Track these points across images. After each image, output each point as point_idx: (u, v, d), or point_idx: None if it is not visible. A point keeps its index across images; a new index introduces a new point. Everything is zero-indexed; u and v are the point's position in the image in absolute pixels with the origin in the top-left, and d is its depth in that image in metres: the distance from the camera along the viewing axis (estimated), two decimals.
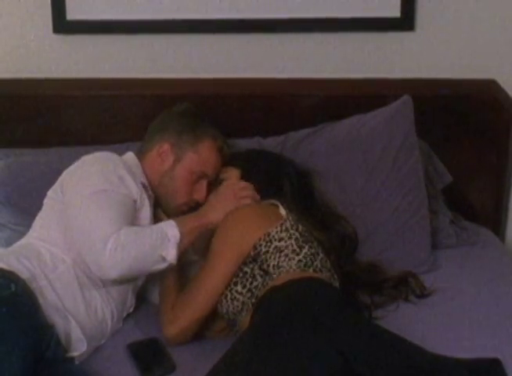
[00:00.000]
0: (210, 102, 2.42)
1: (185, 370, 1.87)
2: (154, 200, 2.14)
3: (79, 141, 2.44)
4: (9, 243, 2.18)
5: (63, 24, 2.55)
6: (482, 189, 2.54)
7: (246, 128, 2.43)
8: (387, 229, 2.28)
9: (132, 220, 1.98)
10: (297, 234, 1.97)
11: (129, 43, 2.57)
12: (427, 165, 2.42)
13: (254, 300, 1.91)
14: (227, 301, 1.94)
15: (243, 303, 1.93)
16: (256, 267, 1.94)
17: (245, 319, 1.91)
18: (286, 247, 1.94)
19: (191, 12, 2.53)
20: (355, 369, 1.58)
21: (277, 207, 2.06)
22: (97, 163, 2.05)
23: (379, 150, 2.32)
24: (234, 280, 1.94)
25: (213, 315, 1.98)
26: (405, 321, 2.00)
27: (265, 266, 1.93)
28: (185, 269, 2.10)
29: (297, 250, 1.94)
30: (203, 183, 2.16)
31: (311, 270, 1.93)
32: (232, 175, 2.17)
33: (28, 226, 2.16)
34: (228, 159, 2.22)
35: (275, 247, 1.94)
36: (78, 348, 1.90)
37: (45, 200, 2.09)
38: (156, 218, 2.13)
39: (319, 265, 1.95)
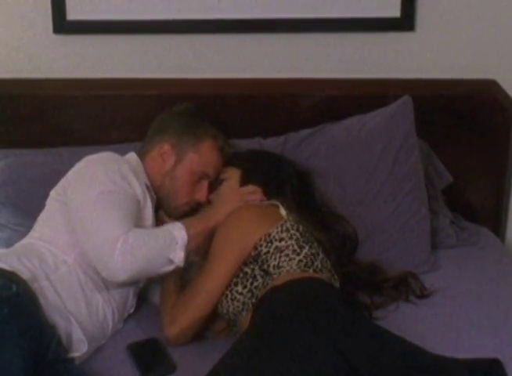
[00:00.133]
0: (210, 102, 2.42)
1: (185, 371, 1.87)
2: (156, 201, 2.14)
3: (79, 141, 2.44)
4: (9, 243, 2.18)
5: (63, 24, 2.55)
6: (482, 190, 2.54)
7: (246, 128, 2.43)
8: (387, 229, 2.28)
9: (137, 221, 1.98)
10: (297, 234, 1.97)
11: (129, 43, 2.57)
12: (427, 165, 2.42)
13: (254, 300, 1.91)
14: (227, 302, 1.95)
15: (243, 303, 1.93)
16: (256, 267, 1.94)
17: (245, 320, 1.91)
18: (287, 247, 1.94)
19: (191, 12, 2.53)
20: (355, 369, 1.58)
21: (277, 207, 2.06)
22: (101, 163, 2.05)
23: (379, 151, 2.32)
24: (234, 280, 1.94)
25: (213, 315, 1.98)
26: (406, 321, 2.00)
27: (265, 266, 1.93)
28: (185, 270, 2.09)
29: (298, 250, 1.94)
30: (205, 183, 2.16)
31: (311, 270, 1.93)
32: (233, 175, 2.17)
33: (28, 226, 2.16)
34: (229, 159, 2.22)
35: (276, 247, 1.94)
36: (79, 348, 1.90)
37: (48, 201, 2.09)
38: (158, 220, 2.13)
39: (320, 266, 1.95)
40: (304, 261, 1.93)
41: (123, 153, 2.19)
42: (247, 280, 1.94)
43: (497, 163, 2.51)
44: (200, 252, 2.07)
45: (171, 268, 1.94)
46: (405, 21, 2.51)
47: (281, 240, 1.95)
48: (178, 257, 1.92)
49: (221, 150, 2.20)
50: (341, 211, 2.27)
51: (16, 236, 2.18)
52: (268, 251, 1.93)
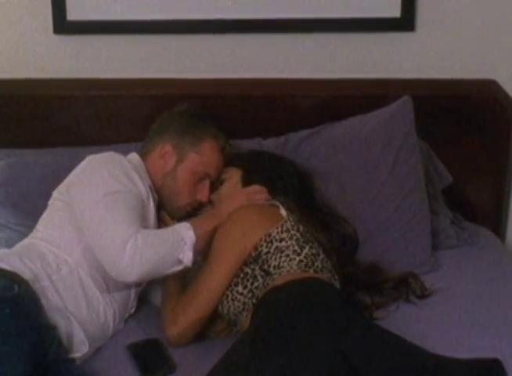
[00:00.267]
0: (210, 102, 2.42)
1: (185, 371, 1.87)
2: (157, 202, 2.14)
3: (79, 141, 2.44)
4: (9, 243, 2.18)
5: (63, 25, 2.55)
6: (482, 190, 2.54)
7: (247, 128, 2.43)
8: (388, 229, 2.28)
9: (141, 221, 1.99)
10: (297, 235, 1.97)
11: (129, 43, 2.57)
12: (427, 165, 2.42)
13: (254, 300, 1.91)
14: (228, 302, 1.94)
15: (243, 303, 1.93)
16: (257, 268, 1.94)
17: (246, 320, 1.91)
18: (287, 247, 1.94)
19: (191, 13, 2.53)
20: (355, 369, 1.57)
21: (278, 207, 2.06)
22: (105, 163, 2.05)
23: (379, 151, 2.32)
24: (235, 280, 1.94)
25: (214, 315, 1.98)
26: (406, 321, 2.00)
27: (265, 267, 1.93)
28: (186, 270, 2.09)
29: (298, 250, 1.94)
30: (206, 183, 2.16)
31: (311, 270, 1.93)
32: (234, 175, 2.17)
33: (28, 226, 2.16)
34: (230, 159, 2.22)
35: (276, 247, 1.94)
36: (80, 349, 1.89)
37: (50, 201, 2.09)
38: (159, 220, 2.13)
39: (320, 266, 1.95)
40: (305, 261, 1.93)
41: (123, 153, 2.18)
42: (248, 281, 1.94)
43: (497, 163, 2.51)
44: (201, 252, 2.07)
45: (179, 268, 1.94)
46: (406, 21, 2.51)
47: (281, 240, 1.95)
48: (187, 257, 1.93)
49: (222, 150, 2.20)
50: (341, 212, 2.27)
51: (16, 236, 2.18)
52: (268, 252, 1.93)
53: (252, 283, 1.93)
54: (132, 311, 2.10)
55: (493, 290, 2.14)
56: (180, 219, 2.13)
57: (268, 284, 1.90)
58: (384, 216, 2.29)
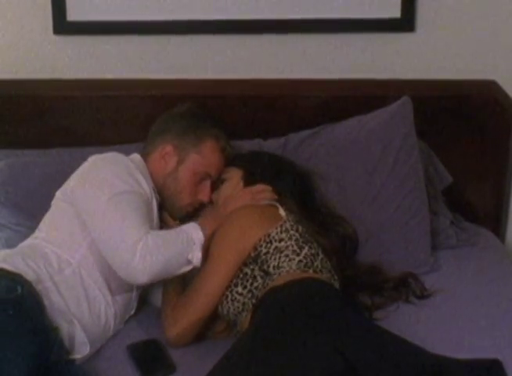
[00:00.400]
0: (210, 103, 2.41)
1: (185, 371, 1.87)
2: (159, 202, 2.13)
3: (79, 141, 2.44)
4: (9, 243, 2.18)
5: (63, 25, 2.54)
6: (482, 190, 2.53)
7: (247, 128, 2.43)
8: (388, 230, 2.28)
9: None
10: (297, 235, 1.97)
11: (129, 43, 2.57)
12: (427, 166, 2.42)
13: (254, 301, 1.91)
14: (227, 302, 1.94)
15: (243, 304, 1.93)
16: (256, 268, 1.94)
17: (245, 320, 1.91)
18: (287, 247, 1.94)
19: (191, 13, 2.52)
20: (355, 369, 1.57)
21: (277, 208, 2.06)
22: (109, 164, 2.04)
23: (379, 151, 2.32)
24: (234, 281, 1.94)
25: (213, 316, 1.98)
26: (406, 322, 2.00)
27: (265, 267, 1.93)
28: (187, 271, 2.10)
29: (298, 250, 1.94)
30: (207, 184, 2.16)
31: (311, 271, 1.93)
32: (234, 174, 2.17)
33: (28, 226, 2.16)
34: (231, 160, 2.22)
35: (276, 247, 1.94)
36: (81, 351, 1.89)
37: (53, 201, 2.08)
38: (161, 221, 2.13)
39: (320, 266, 1.95)
40: (304, 261, 1.93)
41: (124, 153, 2.17)
42: (247, 281, 1.93)
43: (497, 163, 2.51)
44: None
45: (188, 268, 1.95)
46: (406, 22, 2.51)
47: (281, 240, 1.95)
48: (196, 257, 1.93)
49: (223, 150, 2.20)
50: (341, 212, 2.27)
51: (16, 236, 2.18)
52: (267, 252, 1.93)
53: (252, 284, 1.93)
54: (132, 312, 2.09)
55: (493, 290, 2.14)
56: (181, 219, 2.14)
57: (267, 284, 1.90)
58: (384, 216, 2.29)
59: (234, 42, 2.56)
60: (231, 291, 1.94)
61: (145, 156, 2.19)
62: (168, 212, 2.17)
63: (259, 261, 1.94)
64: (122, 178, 1.99)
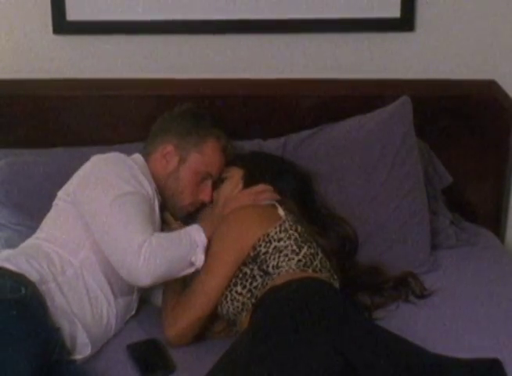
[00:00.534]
0: (209, 102, 2.41)
1: (185, 371, 1.87)
2: (160, 202, 2.13)
3: (79, 141, 2.44)
4: (9, 243, 2.18)
5: (62, 25, 2.55)
6: (482, 190, 2.53)
7: (246, 129, 2.43)
8: (387, 230, 2.28)
9: None
10: (296, 234, 1.97)
11: (129, 43, 2.57)
12: (426, 166, 2.42)
13: (253, 300, 1.91)
14: (227, 302, 1.95)
15: (243, 304, 1.93)
16: (255, 268, 1.94)
17: (245, 320, 1.91)
18: (286, 247, 1.94)
19: (191, 13, 2.53)
20: (355, 369, 1.57)
21: (276, 207, 2.06)
22: (112, 164, 2.04)
23: (378, 151, 2.32)
24: (234, 280, 1.94)
25: (213, 315, 1.98)
26: (406, 321, 2.00)
27: (264, 267, 1.93)
28: None
29: (297, 250, 1.94)
30: (208, 183, 2.16)
31: (310, 270, 1.93)
32: (235, 174, 2.17)
33: (28, 226, 2.16)
34: (231, 160, 2.22)
35: (275, 247, 1.94)
36: (83, 351, 1.89)
37: (55, 201, 2.07)
38: (163, 221, 2.13)
39: (319, 265, 1.95)
40: (303, 261, 1.93)
41: (124, 153, 2.18)
42: (247, 281, 1.94)
43: (497, 163, 2.51)
44: None
45: (191, 270, 1.95)
46: (405, 21, 2.51)
47: (280, 240, 1.95)
48: (199, 259, 1.93)
49: (224, 149, 2.20)
50: (341, 212, 2.26)
51: (16, 236, 2.18)
52: (267, 251, 1.94)
53: (251, 283, 1.93)
54: (133, 312, 2.10)
55: (493, 290, 2.14)
56: (182, 219, 2.14)
57: (267, 284, 1.90)
58: (384, 216, 2.29)
59: (234, 42, 2.56)
60: (230, 291, 1.94)
61: (145, 156, 2.19)
62: (169, 212, 2.17)
63: (258, 260, 1.94)
64: (125, 179, 1.98)
